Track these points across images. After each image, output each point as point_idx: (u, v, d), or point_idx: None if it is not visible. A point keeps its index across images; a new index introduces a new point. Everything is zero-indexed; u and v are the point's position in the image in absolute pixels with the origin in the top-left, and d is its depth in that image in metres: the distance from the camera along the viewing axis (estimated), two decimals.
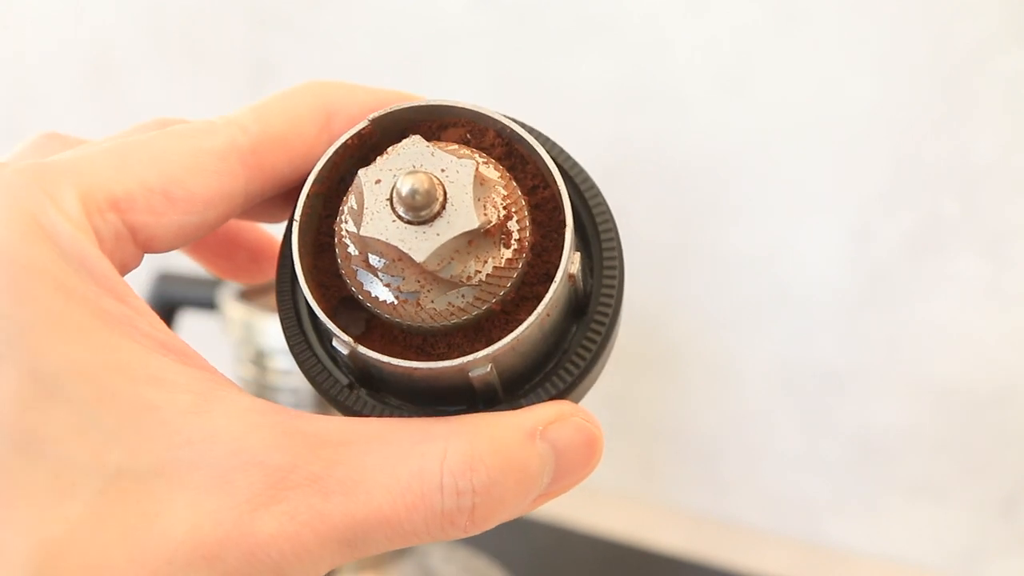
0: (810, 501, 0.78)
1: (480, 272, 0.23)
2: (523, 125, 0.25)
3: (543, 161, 0.25)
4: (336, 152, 0.25)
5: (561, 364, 0.25)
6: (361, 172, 0.23)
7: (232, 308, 0.62)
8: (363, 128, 0.25)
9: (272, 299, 0.62)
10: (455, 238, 0.22)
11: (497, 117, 0.25)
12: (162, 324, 0.23)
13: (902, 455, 0.74)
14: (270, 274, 0.32)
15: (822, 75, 0.69)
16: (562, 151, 0.26)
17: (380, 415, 0.25)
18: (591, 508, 0.81)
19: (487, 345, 0.23)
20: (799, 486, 0.78)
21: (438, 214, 0.23)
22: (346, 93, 0.27)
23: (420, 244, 0.22)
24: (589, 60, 0.73)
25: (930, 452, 0.73)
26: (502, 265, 0.23)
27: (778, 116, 0.70)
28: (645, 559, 0.77)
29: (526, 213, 0.24)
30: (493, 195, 0.23)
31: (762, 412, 0.77)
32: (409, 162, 0.23)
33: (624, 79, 0.73)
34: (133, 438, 0.21)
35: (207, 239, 0.31)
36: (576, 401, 0.26)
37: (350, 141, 0.25)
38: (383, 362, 0.23)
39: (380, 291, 0.23)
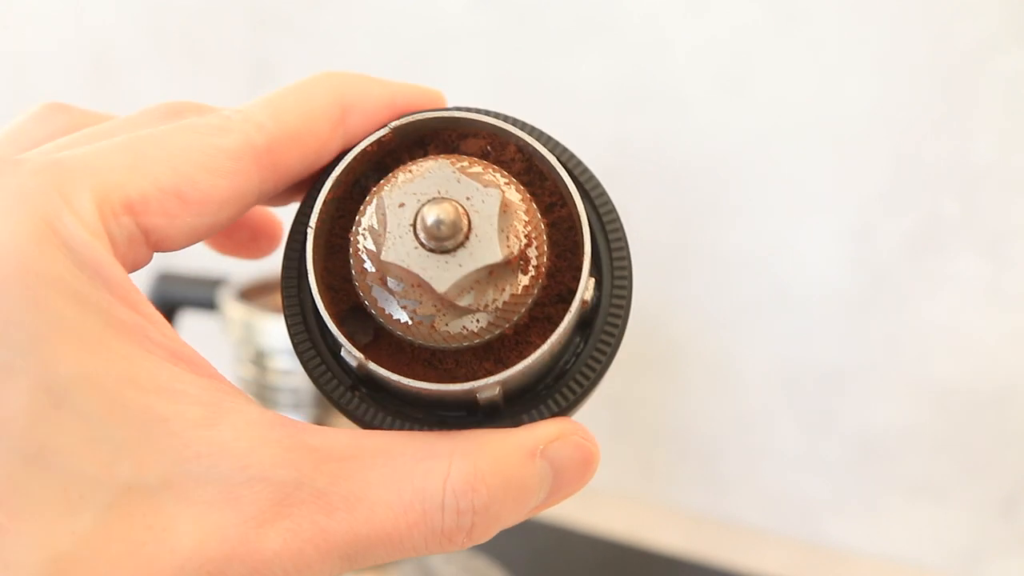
0: (810, 501, 0.78)
1: (497, 300, 0.23)
2: (542, 137, 0.25)
3: (563, 181, 0.25)
4: (355, 159, 0.25)
5: (564, 381, 0.25)
6: (385, 193, 0.23)
7: (232, 308, 0.62)
8: (383, 135, 0.25)
9: (272, 299, 0.62)
10: (478, 270, 0.22)
11: (519, 133, 0.25)
12: (173, 332, 0.23)
13: (902, 455, 0.74)
14: (269, 251, 0.32)
15: (822, 75, 0.69)
16: (579, 163, 0.26)
17: (382, 422, 0.25)
18: (591, 508, 0.81)
19: (495, 363, 0.24)
20: (799, 486, 0.78)
21: (462, 244, 0.22)
22: (361, 87, 0.26)
23: (441, 274, 0.22)
24: (589, 60, 0.73)
25: (930, 452, 0.73)
26: (519, 293, 0.23)
27: (778, 116, 0.70)
28: (645, 559, 0.77)
29: (545, 238, 0.24)
30: (515, 222, 0.23)
31: (762, 412, 0.77)
32: (435, 187, 0.23)
33: (624, 79, 0.73)
34: (142, 451, 0.21)
35: None
36: (575, 415, 0.26)
37: (369, 148, 0.25)
38: (393, 380, 0.23)
39: (395, 311, 0.23)
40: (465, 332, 0.23)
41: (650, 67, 0.72)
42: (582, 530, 0.79)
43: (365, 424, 0.25)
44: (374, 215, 0.23)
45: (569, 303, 0.24)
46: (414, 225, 0.22)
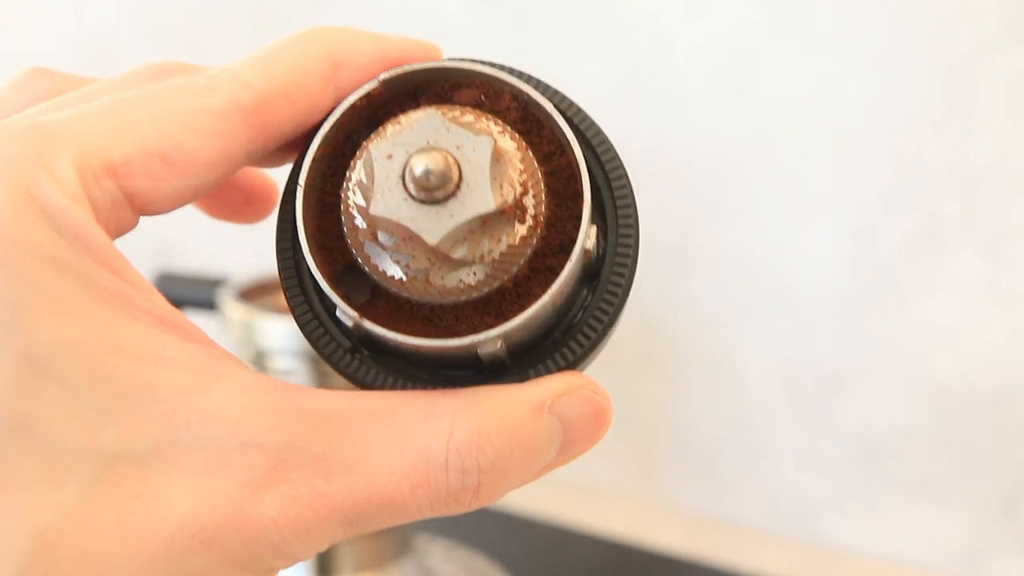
0: (810, 501, 0.78)
1: (493, 251, 0.22)
2: (539, 85, 0.24)
3: (560, 128, 0.24)
4: (344, 114, 0.24)
5: (571, 334, 0.24)
6: (372, 146, 0.22)
7: (232, 308, 0.62)
8: (372, 89, 0.24)
9: (272, 299, 0.62)
10: (470, 220, 0.21)
11: (513, 81, 0.24)
12: (161, 298, 0.22)
13: (902, 455, 0.74)
14: (264, 215, 0.31)
15: (822, 75, 0.69)
16: (579, 110, 0.25)
17: (383, 383, 0.24)
18: (591, 508, 0.81)
19: (497, 317, 0.23)
20: (799, 486, 0.78)
21: (452, 194, 0.21)
22: (353, 41, 0.25)
23: (433, 226, 0.21)
24: (589, 60, 0.73)
25: (930, 452, 0.73)
26: (516, 243, 0.22)
27: (778, 116, 0.70)
28: (645, 559, 0.77)
29: (542, 187, 0.23)
30: (509, 171, 0.22)
31: (762, 412, 0.77)
32: (423, 137, 0.22)
33: (624, 79, 0.73)
34: (129, 420, 0.21)
35: None
36: (584, 369, 0.25)
37: (358, 102, 0.24)
38: (389, 337, 0.22)
39: (388, 266, 0.22)
40: (462, 285, 0.22)
41: (650, 67, 0.72)
42: (582, 530, 0.79)
43: (365, 386, 0.24)
44: (362, 169, 0.22)
45: (571, 253, 0.23)
46: (403, 177, 0.22)
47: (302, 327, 0.24)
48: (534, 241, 0.23)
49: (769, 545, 0.78)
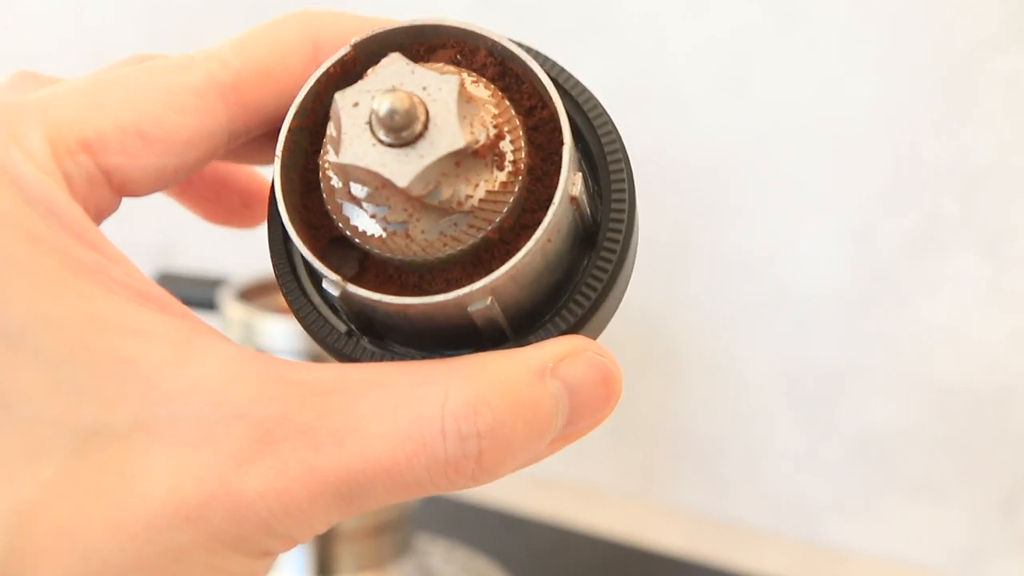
0: (810, 501, 0.78)
1: (472, 197, 0.21)
2: (518, 44, 0.24)
3: (538, 78, 0.23)
4: (318, 81, 0.23)
5: (571, 298, 0.23)
6: (338, 95, 0.21)
7: (232, 308, 0.62)
8: (345, 54, 0.23)
9: (272, 300, 0.62)
10: (440, 159, 0.21)
11: (487, 34, 0.24)
12: (138, 272, 0.22)
13: (902, 455, 0.74)
14: (262, 217, 0.29)
15: (822, 75, 0.69)
16: (563, 71, 0.24)
17: (373, 357, 0.23)
18: (591, 508, 0.81)
19: (487, 275, 0.22)
20: (799, 486, 0.78)
21: (420, 135, 0.21)
22: (333, 21, 0.25)
23: (402, 168, 0.21)
24: (589, 60, 0.73)
25: (930, 452, 0.73)
26: (496, 188, 0.22)
27: (778, 116, 0.70)
28: (645, 559, 0.77)
29: (521, 133, 0.22)
30: (482, 113, 0.22)
31: (762, 412, 0.77)
32: (388, 82, 0.21)
33: (624, 79, 0.73)
34: (108, 393, 0.20)
35: (195, 182, 0.30)
36: (591, 338, 0.24)
37: (332, 69, 0.23)
38: (374, 300, 0.22)
39: (367, 224, 0.22)
40: (445, 238, 0.21)
41: (650, 67, 0.72)
42: (582, 530, 0.79)
43: (357, 361, 0.23)
44: (331, 123, 0.22)
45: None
46: (369, 123, 0.21)
47: (296, 311, 0.24)
48: (515, 189, 0.22)
49: (769, 545, 0.78)
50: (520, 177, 0.22)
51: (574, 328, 0.23)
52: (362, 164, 0.21)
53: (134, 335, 0.21)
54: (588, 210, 0.23)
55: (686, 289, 0.76)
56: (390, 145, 0.21)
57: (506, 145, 0.22)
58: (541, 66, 0.23)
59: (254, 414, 0.20)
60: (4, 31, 0.94)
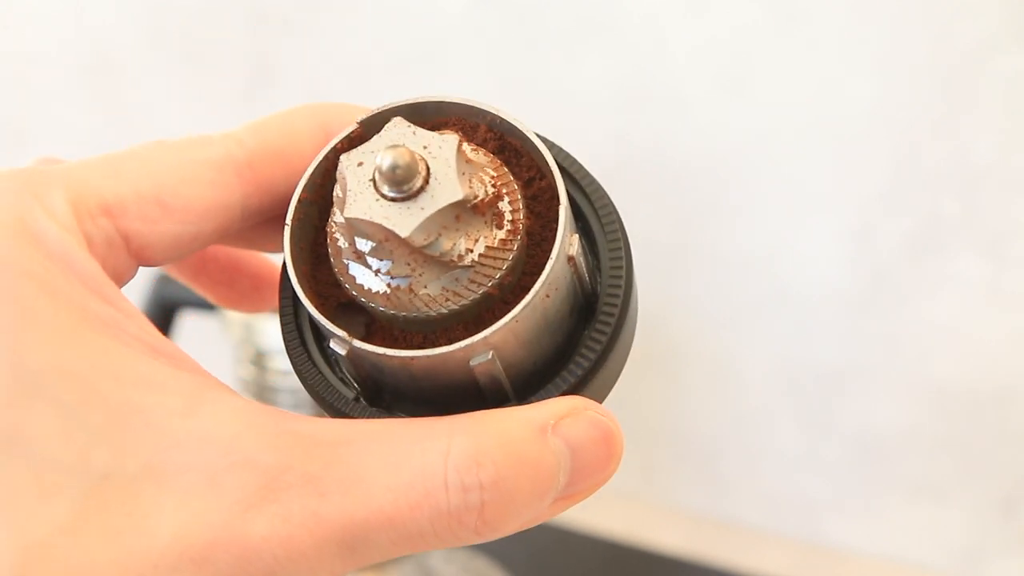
0: (810, 501, 0.78)
1: (472, 252, 0.23)
2: (516, 119, 0.25)
3: (536, 150, 0.24)
4: (326, 157, 0.25)
5: (572, 360, 0.24)
6: (343, 157, 0.23)
7: None
8: (352, 131, 0.25)
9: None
10: (441, 211, 0.22)
11: (487, 109, 0.25)
12: (152, 328, 0.23)
13: (902, 455, 0.74)
14: (272, 302, 0.31)
15: (822, 75, 0.69)
16: (561, 150, 0.26)
17: (378, 415, 0.24)
18: (591, 508, 0.81)
19: None
20: (799, 486, 0.78)
21: (422, 189, 0.22)
22: (344, 112, 0.26)
23: (404, 220, 0.22)
24: (589, 60, 0.73)
25: (930, 452, 0.73)
26: (495, 245, 0.23)
27: (778, 116, 0.70)
28: (645, 559, 0.77)
29: (519, 196, 0.23)
30: (480, 173, 0.23)
31: (762, 412, 0.77)
32: (390, 142, 0.23)
33: (624, 79, 0.73)
34: (119, 440, 0.21)
35: (208, 266, 0.31)
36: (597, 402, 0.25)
37: (339, 145, 0.25)
38: (379, 354, 0.23)
39: (372, 281, 0.23)
40: (447, 293, 0.23)
41: (650, 67, 0.72)
42: (582, 530, 0.79)
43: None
44: (337, 185, 0.23)
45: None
46: (373, 180, 0.22)
47: (304, 381, 0.25)
48: (514, 247, 0.23)
49: (769, 545, 0.78)
50: (519, 237, 0.23)
51: (575, 389, 0.24)
52: (366, 217, 0.22)
53: (146, 386, 0.22)
54: (586, 276, 0.25)
55: (686, 289, 0.76)
56: (393, 200, 0.22)
57: (505, 206, 0.23)
58: (541, 139, 0.25)
59: (261, 462, 0.21)
60: (4, 31, 0.94)
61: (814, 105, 0.69)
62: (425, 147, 0.23)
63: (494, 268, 0.23)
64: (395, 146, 0.22)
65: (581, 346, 0.24)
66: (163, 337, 0.23)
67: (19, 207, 0.22)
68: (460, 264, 0.23)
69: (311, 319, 0.24)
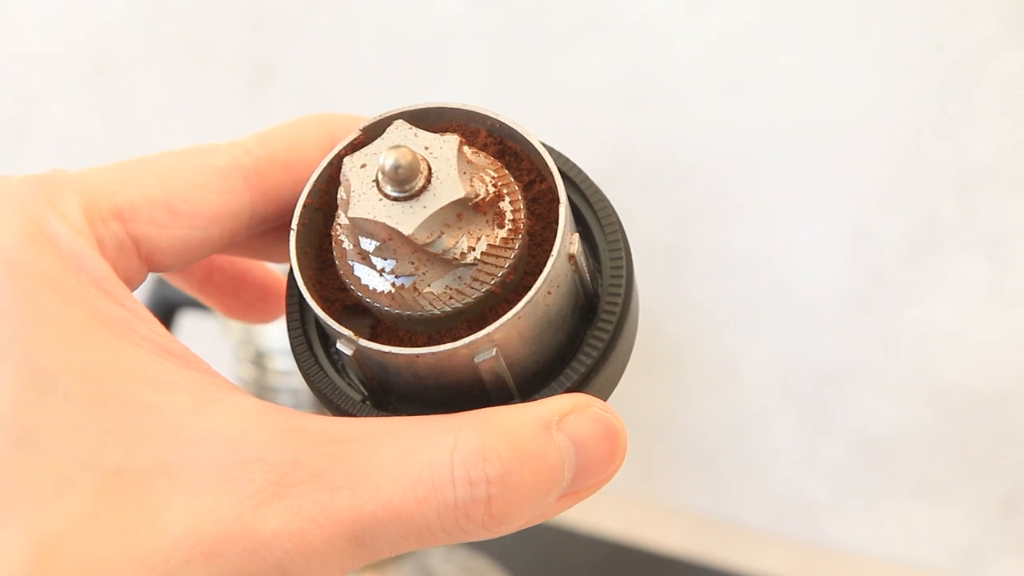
0: (810, 501, 0.78)
1: (474, 250, 0.23)
2: (516, 123, 0.25)
3: (536, 152, 0.25)
4: (330, 164, 0.25)
5: (575, 359, 0.25)
6: (346, 160, 0.24)
7: None
8: (355, 138, 0.25)
9: None
10: (442, 208, 0.23)
11: (488, 114, 0.25)
12: (162, 328, 0.23)
13: (902, 455, 0.74)
14: (278, 313, 0.32)
15: (822, 75, 0.69)
16: (560, 154, 0.26)
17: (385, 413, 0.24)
18: (591, 508, 0.81)
19: None
20: (799, 486, 0.78)
21: (424, 188, 0.23)
22: (351, 123, 0.27)
23: (407, 218, 0.22)
24: (589, 60, 0.73)
25: (930, 452, 0.73)
26: (496, 243, 0.23)
27: (778, 116, 0.70)
28: (645, 559, 0.77)
29: (520, 197, 0.24)
30: (481, 173, 0.23)
31: (762, 412, 0.77)
32: (392, 143, 0.23)
33: (624, 79, 0.73)
34: (132, 436, 0.21)
35: (215, 277, 0.32)
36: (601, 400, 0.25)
37: (343, 152, 0.25)
38: (385, 352, 0.23)
39: (376, 282, 0.23)
40: (450, 291, 0.23)
41: (650, 67, 0.72)
42: (582, 530, 0.79)
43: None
44: (341, 187, 0.24)
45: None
46: (376, 180, 0.23)
47: (312, 385, 0.25)
48: (516, 246, 0.23)
49: (769, 545, 0.78)
50: (520, 236, 0.24)
51: (578, 387, 0.24)
52: (370, 216, 0.23)
53: (157, 385, 0.22)
54: (587, 276, 0.25)
55: (686, 289, 0.76)
56: (395, 199, 0.23)
57: (506, 205, 0.24)
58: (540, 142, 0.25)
59: (271, 459, 0.22)
60: (4, 31, 0.94)
61: (814, 105, 0.69)
62: (426, 148, 0.23)
63: (496, 266, 0.23)
64: (397, 146, 0.23)
65: (584, 345, 0.25)
66: (173, 338, 0.23)
67: (33, 211, 0.22)
68: (463, 262, 0.23)
69: (318, 322, 0.25)
